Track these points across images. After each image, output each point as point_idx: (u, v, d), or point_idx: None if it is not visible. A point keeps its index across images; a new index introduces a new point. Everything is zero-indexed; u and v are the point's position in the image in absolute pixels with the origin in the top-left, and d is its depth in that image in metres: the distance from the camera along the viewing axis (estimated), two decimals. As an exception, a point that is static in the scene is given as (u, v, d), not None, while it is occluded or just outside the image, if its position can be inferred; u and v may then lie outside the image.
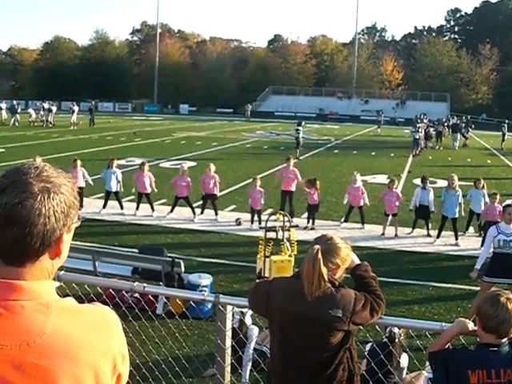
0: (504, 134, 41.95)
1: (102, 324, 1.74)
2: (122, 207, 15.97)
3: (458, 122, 43.93)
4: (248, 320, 7.34)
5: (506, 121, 47.02)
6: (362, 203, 15.30)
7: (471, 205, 14.72)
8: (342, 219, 15.58)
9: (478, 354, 3.37)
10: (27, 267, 1.64)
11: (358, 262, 3.70)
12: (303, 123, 33.97)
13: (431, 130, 42.36)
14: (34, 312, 1.61)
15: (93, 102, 54.91)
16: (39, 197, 1.61)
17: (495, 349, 3.31)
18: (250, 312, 6.63)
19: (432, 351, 3.52)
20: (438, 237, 14.20)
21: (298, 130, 32.09)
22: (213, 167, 15.89)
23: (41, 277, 1.67)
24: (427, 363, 3.68)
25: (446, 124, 46.76)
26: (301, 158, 30.02)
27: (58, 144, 33.05)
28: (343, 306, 3.31)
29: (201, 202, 15.93)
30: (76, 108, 48.46)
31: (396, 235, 14.59)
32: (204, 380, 6.56)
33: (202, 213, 15.74)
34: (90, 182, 16.61)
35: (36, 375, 1.55)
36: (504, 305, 3.31)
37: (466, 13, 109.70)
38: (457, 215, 14.16)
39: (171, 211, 15.69)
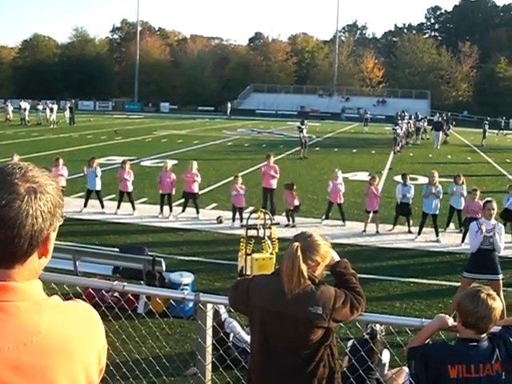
0: (485, 132, 42.36)
1: (88, 320, 1.76)
2: (102, 206, 15.88)
3: (440, 119, 44.18)
4: (223, 313, 7.36)
5: (488, 118, 47.38)
6: (341, 200, 15.32)
7: (451, 201, 14.81)
8: (323, 217, 15.60)
9: (457, 349, 3.38)
10: (16, 268, 1.63)
11: (337, 258, 3.69)
12: (306, 121, 32.93)
13: (412, 126, 42.72)
14: (28, 312, 1.61)
15: (72, 101, 54.52)
16: (26, 198, 1.60)
17: (475, 344, 3.33)
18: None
19: (412, 347, 3.52)
20: (418, 233, 14.27)
21: (300, 128, 31.50)
22: (195, 165, 15.85)
23: (30, 277, 1.67)
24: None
25: (422, 120, 46.95)
26: (305, 155, 30.09)
27: (38, 143, 32.79)
28: (323, 303, 3.30)
29: (182, 201, 15.88)
30: (55, 106, 48.20)
31: (377, 232, 14.64)
32: (185, 379, 6.53)
33: (183, 211, 15.69)
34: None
35: (34, 375, 1.55)
36: (484, 301, 3.33)
37: (445, 10, 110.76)
38: (437, 212, 14.24)
39: (161, 210, 15.64)
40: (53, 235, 1.71)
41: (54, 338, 1.61)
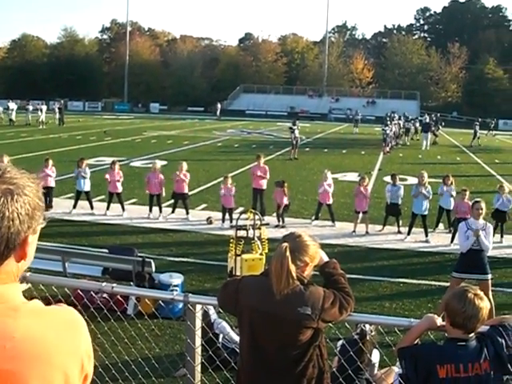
0: (476, 132, 42.43)
1: (70, 325, 1.72)
2: (92, 207, 15.82)
3: (429, 120, 44.31)
4: (213, 314, 7.35)
5: (480, 119, 47.57)
6: (330, 201, 15.34)
7: (440, 201, 14.87)
8: (313, 217, 15.61)
9: (446, 349, 3.40)
10: None
11: (326, 259, 3.69)
12: (297, 122, 32.94)
13: (401, 127, 42.87)
14: (2, 317, 1.58)
15: (62, 101, 54.32)
16: (2, 199, 1.58)
17: (463, 343, 3.35)
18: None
19: (401, 347, 3.53)
20: (408, 234, 14.31)
21: (292, 129, 31.46)
22: (185, 166, 15.84)
23: (7, 280, 1.64)
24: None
25: (412, 121, 47.13)
26: (296, 156, 30.10)
27: (28, 144, 32.65)
28: (312, 303, 3.31)
29: (172, 201, 15.84)
30: (44, 107, 48.03)
31: (367, 232, 14.67)
32: (175, 380, 6.52)
33: (172, 212, 15.66)
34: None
35: (6, 380, 1.52)
36: (471, 300, 3.35)
37: (435, 12, 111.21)
38: (426, 212, 14.29)
39: (150, 211, 15.59)
40: (32, 238, 1.68)
41: (29, 343, 1.58)
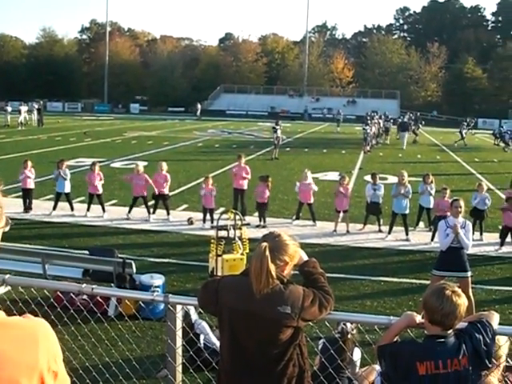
0: (461, 133, 42.57)
1: (28, 339, 1.68)
2: (72, 208, 15.72)
3: (406, 120, 44.49)
4: (194, 315, 7.34)
5: (468, 119, 47.91)
6: (311, 200, 15.37)
7: (420, 200, 14.96)
8: (294, 217, 15.64)
9: (425, 346, 3.42)
10: None
11: (306, 258, 3.70)
12: (280, 122, 33.24)
13: (381, 126, 43.02)
14: None
15: (41, 102, 53.93)
16: None
17: (442, 340, 3.38)
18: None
19: (381, 345, 3.55)
20: (389, 232, 14.40)
21: (274, 128, 31.59)
22: (165, 166, 15.81)
23: None
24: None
25: (392, 120, 47.33)
26: (277, 156, 30.14)
27: (6, 145, 32.38)
28: (292, 302, 3.31)
29: (153, 202, 15.80)
30: (24, 108, 47.64)
31: (347, 231, 14.73)
32: (157, 381, 6.50)
33: (153, 212, 15.62)
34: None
35: None
36: (449, 297, 3.38)
37: (414, 12, 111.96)
38: (407, 211, 14.38)
39: (129, 212, 15.53)
40: None
41: None
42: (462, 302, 3.41)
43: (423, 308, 3.54)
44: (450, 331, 3.42)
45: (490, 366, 3.42)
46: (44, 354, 1.69)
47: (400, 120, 47.06)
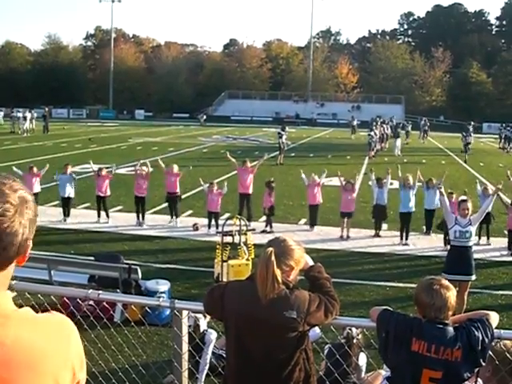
0: (466, 139, 42.25)
1: (60, 332, 1.72)
2: (68, 214, 15.73)
3: (396, 124, 44.69)
4: (203, 324, 7.31)
5: (472, 123, 47.74)
6: (318, 202, 15.38)
7: (425, 204, 14.97)
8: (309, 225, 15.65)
9: (425, 326, 3.48)
10: None
11: (311, 263, 3.71)
12: (287, 128, 33.38)
13: (387, 130, 43.02)
14: None
15: (46, 109, 54.03)
16: (19, 207, 1.62)
17: (441, 326, 3.43)
18: (208, 317, 6.63)
19: (384, 310, 3.73)
20: (406, 238, 14.37)
21: (280, 133, 31.61)
22: (176, 168, 15.93)
23: (1, 288, 1.66)
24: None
25: (389, 125, 47.26)
26: (282, 162, 30.19)
27: (11, 152, 32.47)
28: (297, 307, 3.32)
29: (166, 205, 15.90)
30: (29, 115, 47.76)
31: (348, 236, 14.73)
32: (163, 387, 6.50)
33: (174, 216, 15.71)
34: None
35: None
36: (438, 292, 3.47)
37: (418, 16, 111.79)
38: (412, 209, 14.42)
39: (138, 217, 15.62)
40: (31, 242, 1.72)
41: (20, 350, 1.58)
42: (451, 293, 3.52)
43: (415, 304, 3.64)
44: (449, 321, 3.49)
45: (483, 364, 3.46)
46: (74, 346, 1.75)
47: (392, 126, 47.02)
